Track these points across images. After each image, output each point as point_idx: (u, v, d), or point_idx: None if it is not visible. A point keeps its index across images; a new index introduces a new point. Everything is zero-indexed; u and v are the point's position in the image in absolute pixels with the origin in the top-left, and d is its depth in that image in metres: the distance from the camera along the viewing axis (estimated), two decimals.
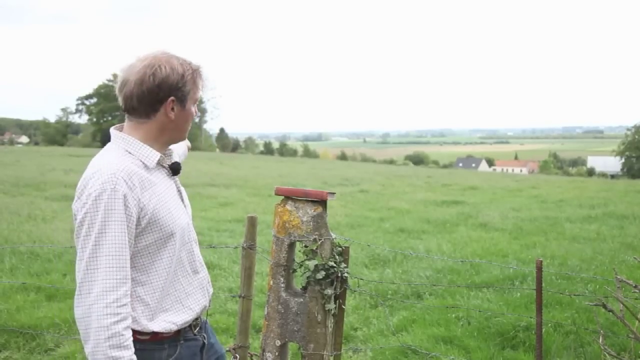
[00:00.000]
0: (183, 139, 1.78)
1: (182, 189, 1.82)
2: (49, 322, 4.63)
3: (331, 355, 2.84)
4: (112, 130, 1.70)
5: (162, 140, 1.70)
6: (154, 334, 1.64)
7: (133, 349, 1.51)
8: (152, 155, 1.65)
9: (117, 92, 1.64)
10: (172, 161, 1.78)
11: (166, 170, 1.74)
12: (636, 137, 60.04)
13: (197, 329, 1.79)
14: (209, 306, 1.90)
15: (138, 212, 1.55)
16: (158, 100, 1.61)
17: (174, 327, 1.67)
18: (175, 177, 1.78)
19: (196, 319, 1.79)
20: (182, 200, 1.79)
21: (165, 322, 1.66)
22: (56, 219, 9.83)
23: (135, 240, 1.57)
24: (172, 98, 1.62)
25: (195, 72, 1.67)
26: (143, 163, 1.63)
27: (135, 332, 1.59)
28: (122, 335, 1.47)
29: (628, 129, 63.54)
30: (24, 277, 5.88)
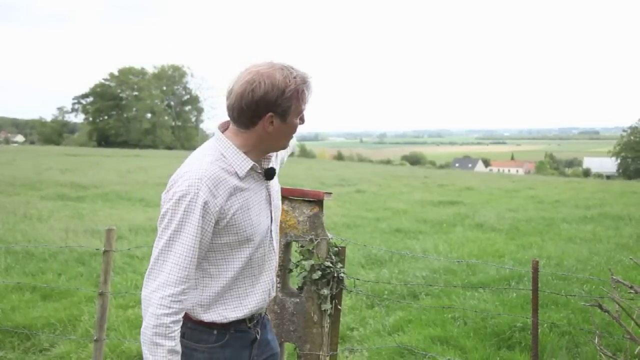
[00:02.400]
0: (282, 149, 1.80)
1: (273, 192, 1.84)
2: (44, 322, 4.62)
3: (327, 356, 2.83)
4: (217, 128, 1.75)
5: (261, 148, 1.73)
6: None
7: (177, 341, 1.61)
8: (245, 164, 1.69)
9: (225, 99, 1.69)
10: (269, 166, 1.80)
11: (259, 175, 1.77)
12: (632, 138, 60.20)
13: (253, 322, 1.83)
14: (267, 307, 1.95)
15: (217, 216, 1.64)
16: (256, 115, 1.65)
17: (225, 321, 1.75)
18: (268, 181, 1.80)
19: (251, 315, 1.83)
20: (271, 203, 1.82)
21: (218, 315, 1.73)
22: (52, 218, 9.81)
23: (213, 237, 1.67)
24: (270, 114, 1.64)
25: (300, 86, 1.66)
26: (234, 170, 1.68)
27: (188, 315, 1.73)
28: (169, 327, 1.58)
29: (624, 130, 63.70)
30: (19, 277, 5.86)
